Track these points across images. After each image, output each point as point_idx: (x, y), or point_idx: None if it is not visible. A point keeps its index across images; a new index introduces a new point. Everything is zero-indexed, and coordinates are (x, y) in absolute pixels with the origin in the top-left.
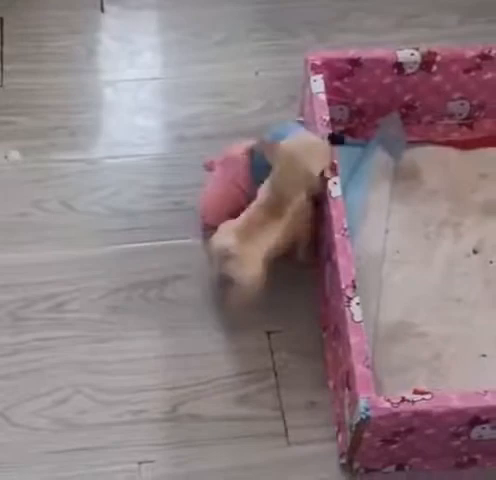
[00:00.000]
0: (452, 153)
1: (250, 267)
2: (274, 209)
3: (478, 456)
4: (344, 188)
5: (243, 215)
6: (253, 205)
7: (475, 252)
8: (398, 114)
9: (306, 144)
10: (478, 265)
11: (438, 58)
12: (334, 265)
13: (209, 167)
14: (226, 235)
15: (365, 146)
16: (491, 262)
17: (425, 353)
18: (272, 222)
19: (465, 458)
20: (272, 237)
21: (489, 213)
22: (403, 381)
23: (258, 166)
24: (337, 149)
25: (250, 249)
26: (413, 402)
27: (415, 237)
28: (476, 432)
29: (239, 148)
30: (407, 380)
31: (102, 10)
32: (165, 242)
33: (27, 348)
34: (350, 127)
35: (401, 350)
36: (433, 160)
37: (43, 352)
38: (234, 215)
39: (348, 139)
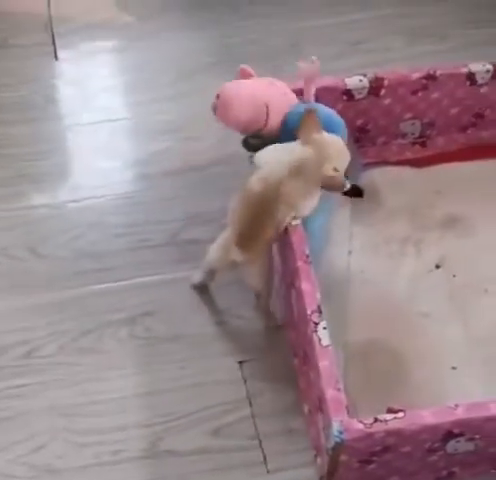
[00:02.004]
0: (408, 172)
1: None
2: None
3: (456, 469)
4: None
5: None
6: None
7: (438, 267)
8: (352, 138)
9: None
10: (442, 279)
11: (386, 82)
12: (298, 291)
13: None
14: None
15: None
16: (454, 276)
17: (396, 369)
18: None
19: (444, 472)
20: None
21: (448, 228)
22: (377, 399)
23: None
24: None
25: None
26: (386, 422)
27: (378, 256)
28: (451, 446)
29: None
30: (380, 397)
31: (56, 58)
32: (132, 280)
33: (0, 396)
34: None
35: (372, 368)
36: (390, 180)
37: (17, 400)
38: None
39: None
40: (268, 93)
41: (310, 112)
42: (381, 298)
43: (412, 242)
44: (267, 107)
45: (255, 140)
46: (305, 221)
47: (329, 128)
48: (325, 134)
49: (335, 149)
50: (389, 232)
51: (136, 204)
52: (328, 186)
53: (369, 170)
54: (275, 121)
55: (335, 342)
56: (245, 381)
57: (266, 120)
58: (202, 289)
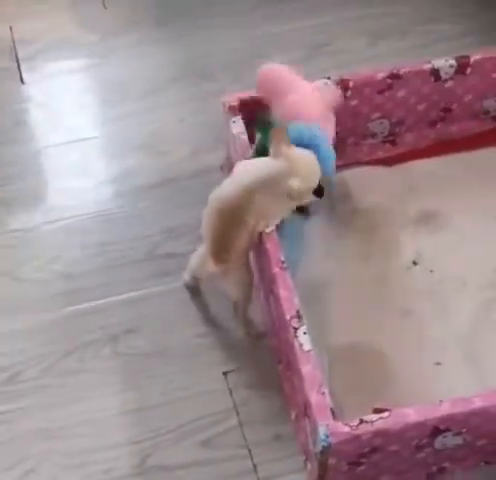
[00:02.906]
0: (380, 171)
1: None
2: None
3: (446, 464)
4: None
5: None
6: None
7: (415, 263)
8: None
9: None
10: (420, 276)
11: (351, 84)
12: (276, 298)
13: None
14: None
15: None
16: (432, 271)
17: (380, 368)
18: None
19: (434, 468)
20: None
21: (423, 224)
22: (362, 399)
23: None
24: None
25: None
26: (372, 422)
27: (356, 258)
28: (439, 442)
29: None
30: (366, 398)
31: (22, 81)
32: (112, 298)
33: None
34: None
35: (357, 369)
36: (363, 180)
37: (3, 425)
38: None
39: None
40: None
41: (280, 128)
42: (361, 298)
43: (389, 241)
44: None
45: None
46: (280, 228)
47: (312, 148)
48: (296, 150)
49: (304, 164)
50: (366, 232)
51: (111, 221)
52: (294, 198)
53: (341, 172)
54: None
55: (318, 345)
56: (231, 391)
57: None
58: (193, 290)
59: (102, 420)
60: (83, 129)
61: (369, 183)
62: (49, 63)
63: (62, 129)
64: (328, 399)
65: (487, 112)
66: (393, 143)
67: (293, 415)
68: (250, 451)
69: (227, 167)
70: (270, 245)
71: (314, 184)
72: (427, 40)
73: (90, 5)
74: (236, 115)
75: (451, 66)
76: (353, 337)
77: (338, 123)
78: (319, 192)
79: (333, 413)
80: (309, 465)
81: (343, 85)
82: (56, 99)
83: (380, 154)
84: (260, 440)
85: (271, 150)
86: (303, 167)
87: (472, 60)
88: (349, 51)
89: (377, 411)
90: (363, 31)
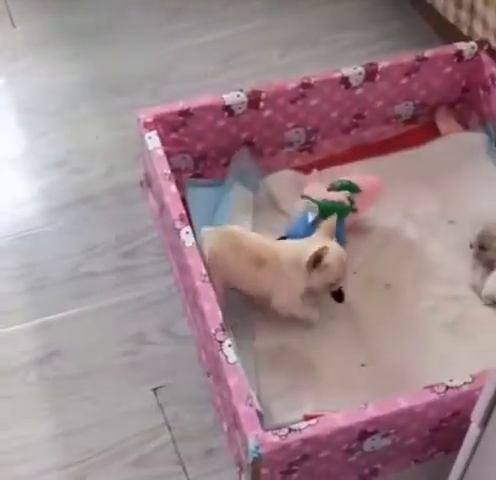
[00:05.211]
0: (301, 178)
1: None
2: None
3: (378, 466)
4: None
5: None
6: None
7: None
8: (247, 148)
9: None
10: (349, 281)
11: (263, 95)
12: (201, 311)
13: None
14: None
15: (222, 185)
16: (355, 273)
17: (307, 371)
18: None
19: (366, 470)
20: None
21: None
22: (290, 404)
23: None
24: (193, 192)
25: None
26: (300, 430)
27: None
28: (368, 444)
29: None
30: (294, 402)
31: None
32: (35, 321)
33: None
34: (197, 173)
35: (284, 373)
36: (287, 187)
37: None
38: None
39: (203, 180)
40: None
41: (331, 221)
42: None
43: None
44: None
45: None
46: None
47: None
48: (335, 244)
49: (336, 256)
50: None
51: (31, 243)
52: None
53: (266, 177)
54: None
55: (246, 351)
56: (162, 407)
57: None
58: None
59: (31, 446)
60: None
61: (293, 189)
62: None
63: None
64: (256, 409)
65: (399, 117)
66: (310, 151)
67: (225, 427)
68: (184, 467)
69: (146, 183)
70: (192, 260)
71: (334, 277)
72: (337, 48)
73: None
74: (151, 130)
75: (360, 74)
76: (280, 341)
77: (253, 134)
78: (338, 296)
79: (262, 418)
80: (243, 476)
81: (255, 97)
82: None
83: (298, 162)
84: (193, 455)
85: (317, 235)
86: (333, 257)
87: (380, 67)
88: (260, 62)
89: (307, 418)
90: (273, 41)
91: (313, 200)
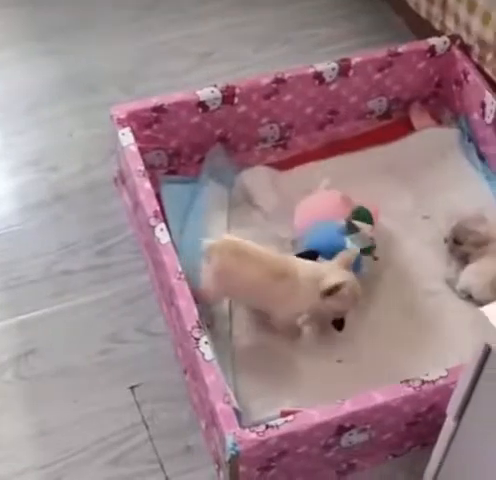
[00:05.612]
0: (276, 174)
1: None
2: None
3: (356, 460)
4: (181, 227)
5: None
6: None
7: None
8: (221, 145)
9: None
10: None
11: (237, 90)
12: (177, 309)
13: None
14: None
15: (196, 181)
16: None
17: (285, 368)
18: None
19: (344, 465)
20: None
21: None
22: (268, 401)
23: None
24: (167, 189)
25: None
26: (278, 427)
27: None
28: (345, 439)
29: None
30: (272, 399)
31: None
32: (11, 320)
33: None
34: (171, 169)
35: (261, 370)
36: (262, 182)
37: None
38: None
39: (178, 177)
40: None
41: (350, 253)
42: None
43: (289, 241)
44: None
45: None
46: (178, 239)
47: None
48: (350, 274)
49: (350, 287)
50: (267, 233)
51: (6, 242)
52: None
53: (240, 172)
54: None
55: (223, 349)
56: (139, 405)
57: None
58: None
59: (9, 446)
60: None
61: (267, 185)
62: None
63: None
64: (234, 406)
65: (372, 112)
66: (284, 147)
67: (203, 425)
68: (162, 465)
69: (121, 180)
70: (167, 257)
71: (344, 308)
72: (310, 44)
73: None
74: (125, 127)
75: (333, 69)
76: (256, 338)
77: (228, 130)
78: (338, 324)
79: (239, 415)
80: (221, 473)
81: (229, 92)
82: None
83: (273, 158)
84: (171, 453)
85: (336, 263)
86: (349, 290)
87: (353, 62)
88: (235, 58)
89: (284, 414)
90: (246, 38)
91: (355, 227)
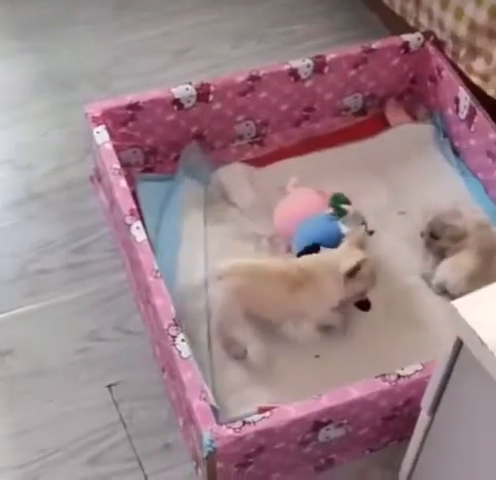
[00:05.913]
0: (252, 170)
1: None
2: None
3: (333, 456)
4: (158, 225)
5: None
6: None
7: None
8: (197, 142)
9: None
10: None
11: (212, 88)
12: (153, 307)
13: None
14: None
15: (172, 179)
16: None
17: (261, 363)
18: None
19: (322, 460)
20: None
21: None
22: (245, 397)
23: None
24: (143, 187)
25: None
26: (254, 423)
27: (235, 255)
28: (323, 434)
29: None
30: (249, 396)
31: None
32: None
33: None
34: (147, 167)
35: (238, 367)
36: (238, 179)
37: None
38: None
39: (154, 175)
40: None
41: (358, 232)
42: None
43: (266, 238)
44: None
45: None
46: (154, 237)
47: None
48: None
49: (369, 267)
50: (244, 230)
51: None
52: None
53: (217, 170)
54: None
55: (200, 346)
56: (116, 404)
57: None
58: None
59: None
60: None
61: (244, 182)
62: None
63: None
64: (210, 403)
65: (348, 109)
66: (261, 144)
67: (181, 422)
68: (140, 463)
69: (97, 178)
70: (143, 256)
71: (365, 287)
72: (286, 40)
73: None
74: (100, 125)
75: (308, 66)
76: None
77: (204, 127)
78: (364, 305)
79: (216, 412)
80: (200, 470)
81: (204, 90)
82: None
83: (249, 155)
84: (150, 451)
85: (346, 245)
86: (368, 267)
87: (328, 59)
88: (211, 55)
89: (262, 410)
90: (220, 35)
91: (342, 210)
